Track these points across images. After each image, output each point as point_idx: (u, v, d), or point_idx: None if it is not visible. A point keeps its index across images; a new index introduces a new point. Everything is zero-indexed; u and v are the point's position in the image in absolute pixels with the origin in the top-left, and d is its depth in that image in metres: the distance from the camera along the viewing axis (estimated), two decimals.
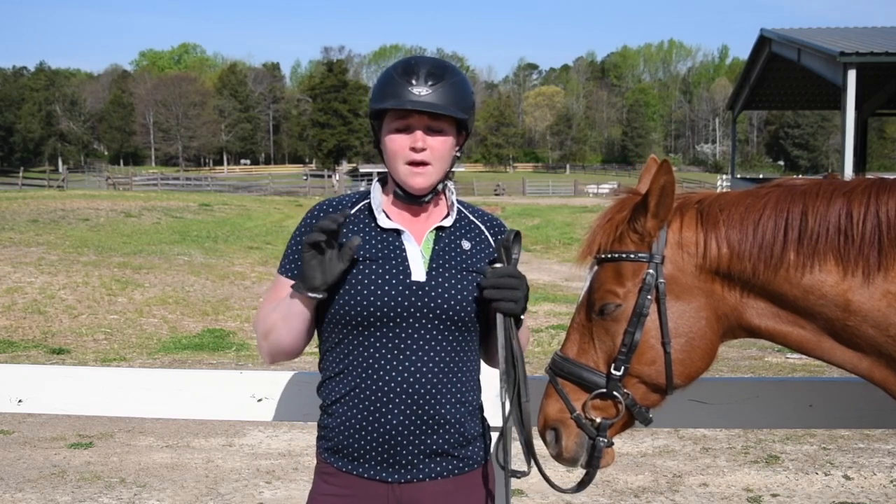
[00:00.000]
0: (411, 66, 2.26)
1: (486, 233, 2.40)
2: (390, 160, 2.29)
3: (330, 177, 62.91)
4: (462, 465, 2.30)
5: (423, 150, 2.24)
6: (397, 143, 2.26)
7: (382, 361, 2.22)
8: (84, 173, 76.19)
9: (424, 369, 2.22)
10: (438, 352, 2.24)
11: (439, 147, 2.26)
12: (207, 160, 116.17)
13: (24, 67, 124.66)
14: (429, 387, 2.22)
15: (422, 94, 2.22)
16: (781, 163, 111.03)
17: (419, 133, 2.24)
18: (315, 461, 2.38)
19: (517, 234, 2.23)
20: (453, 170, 2.41)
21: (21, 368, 2.86)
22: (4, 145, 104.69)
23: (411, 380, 2.21)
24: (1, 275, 14.26)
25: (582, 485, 2.26)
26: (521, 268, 2.46)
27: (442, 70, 2.27)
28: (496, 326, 2.20)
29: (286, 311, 2.24)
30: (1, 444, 6.70)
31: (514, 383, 2.20)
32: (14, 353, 9.73)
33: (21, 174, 53.44)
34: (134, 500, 5.57)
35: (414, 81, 2.23)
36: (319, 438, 2.35)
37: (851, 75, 21.15)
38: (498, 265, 2.19)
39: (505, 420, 2.20)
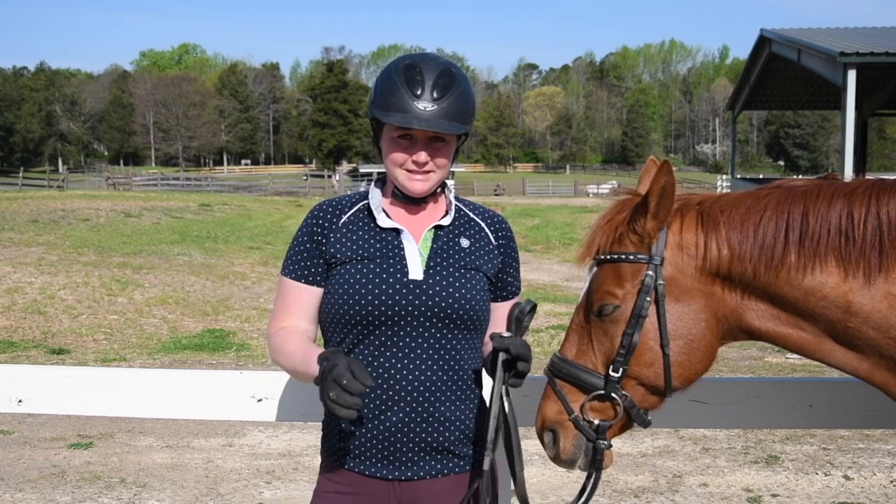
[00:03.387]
0: (416, 75, 2.22)
1: (487, 230, 2.40)
2: (390, 166, 2.30)
3: (330, 177, 62.89)
4: (463, 463, 2.31)
5: (425, 163, 2.25)
6: (398, 155, 2.26)
7: (381, 359, 2.23)
8: (84, 173, 76.20)
9: (423, 367, 2.23)
10: (437, 349, 2.24)
11: (440, 159, 2.28)
12: (207, 160, 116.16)
13: (25, 67, 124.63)
14: (428, 384, 2.23)
15: (427, 109, 2.20)
16: (781, 163, 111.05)
17: (423, 153, 2.24)
18: (318, 459, 2.39)
19: (533, 307, 2.13)
20: (452, 170, 2.42)
21: (21, 368, 2.86)
22: (4, 145, 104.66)
23: (410, 377, 2.22)
24: (1, 275, 14.25)
25: (587, 495, 2.22)
26: (521, 268, 2.46)
27: (447, 80, 2.24)
28: (491, 396, 2.15)
29: (302, 372, 2.21)
30: (1, 444, 6.69)
31: (493, 447, 2.13)
32: (14, 353, 9.73)
33: (21, 174, 53.41)
34: (134, 500, 5.57)
35: (419, 93, 2.20)
36: (323, 436, 2.37)
37: (851, 75, 21.13)
38: (506, 333, 2.11)
39: (482, 478, 2.15)
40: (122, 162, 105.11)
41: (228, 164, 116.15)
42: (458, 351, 2.28)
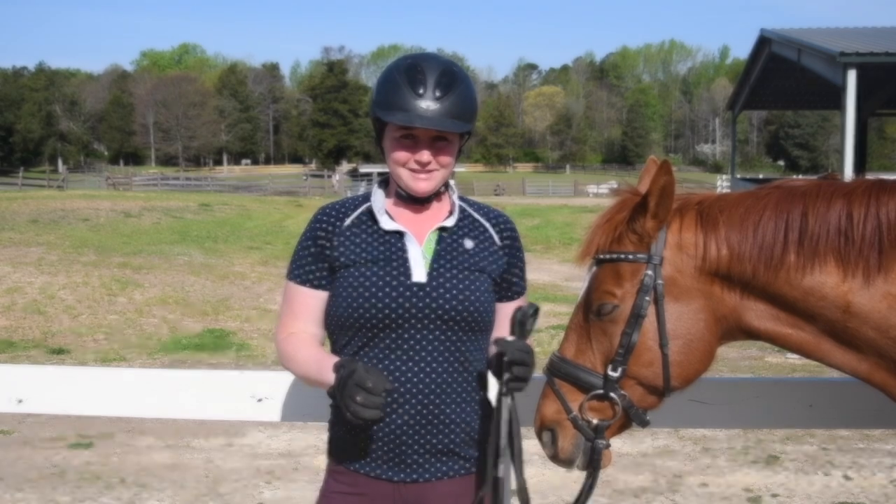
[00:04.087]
0: (418, 74, 2.22)
1: (491, 230, 2.39)
2: (393, 166, 2.29)
3: (330, 177, 62.87)
4: (469, 465, 2.31)
5: (428, 163, 2.25)
6: (401, 154, 2.26)
7: (387, 362, 2.23)
8: (84, 173, 76.26)
9: (428, 369, 2.23)
10: (442, 352, 2.24)
11: (444, 158, 2.27)
12: (207, 160, 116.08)
13: (24, 67, 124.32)
14: (433, 387, 2.23)
15: (430, 108, 2.19)
16: (781, 163, 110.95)
17: (426, 152, 2.24)
18: (318, 459, 2.40)
19: (536, 310, 2.15)
20: (453, 170, 2.42)
21: (21, 368, 2.86)
22: (4, 145, 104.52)
23: (415, 380, 2.22)
24: (1, 275, 14.26)
25: (586, 495, 2.23)
26: None
27: (449, 79, 2.23)
28: (497, 401, 2.16)
29: (316, 381, 2.23)
30: (1, 444, 6.70)
31: (497, 453, 2.15)
32: (14, 353, 9.73)
33: (21, 174, 53.48)
34: (134, 500, 5.57)
35: (421, 92, 2.19)
36: (329, 437, 2.38)
37: (851, 75, 21.11)
38: (510, 338, 2.12)
39: (492, 482, 2.16)
40: (122, 162, 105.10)
41: (228, 164, 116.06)
42: (464, 353, 2.27)
